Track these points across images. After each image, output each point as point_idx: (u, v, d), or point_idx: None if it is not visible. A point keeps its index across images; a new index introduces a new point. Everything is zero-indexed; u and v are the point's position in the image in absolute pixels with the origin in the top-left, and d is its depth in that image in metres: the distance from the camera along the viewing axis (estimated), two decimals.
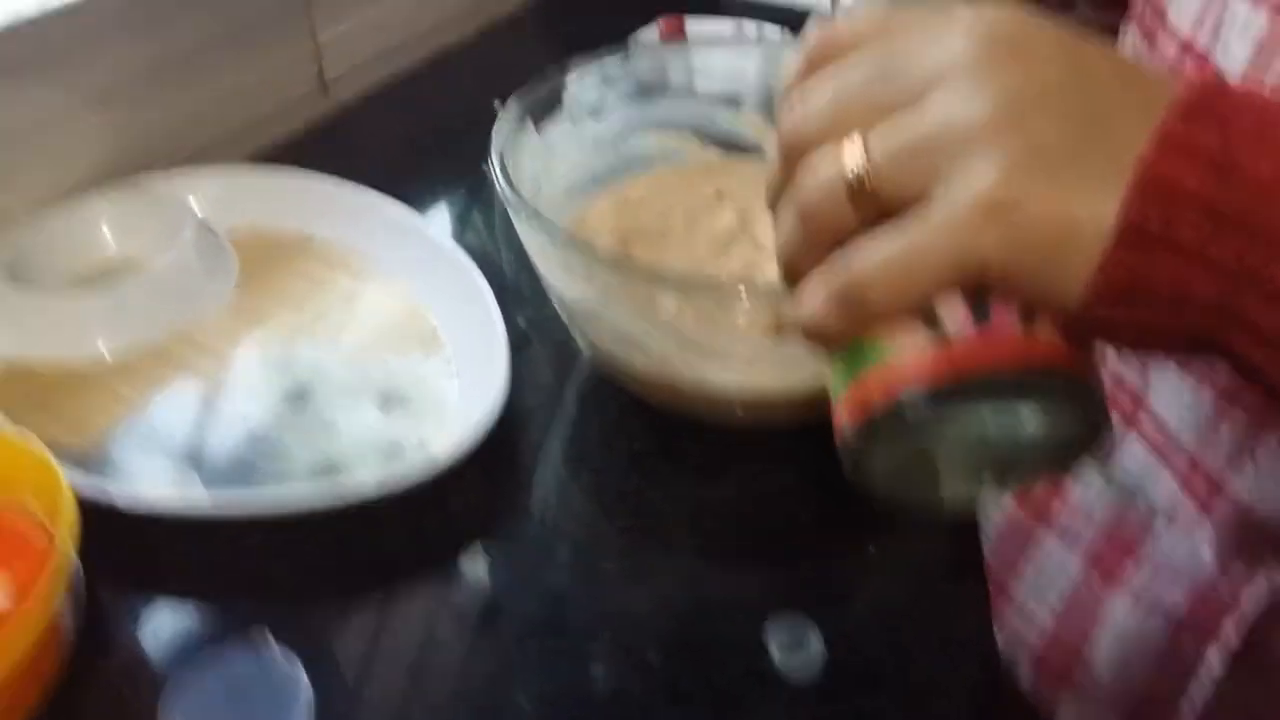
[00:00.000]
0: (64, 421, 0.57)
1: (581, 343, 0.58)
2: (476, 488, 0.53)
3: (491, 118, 0.85)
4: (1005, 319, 0.28)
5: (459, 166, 0.81)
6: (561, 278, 0.52)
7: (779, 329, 0.32)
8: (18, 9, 0.64)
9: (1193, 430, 0.42)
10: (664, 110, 0.66)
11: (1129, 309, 0.26)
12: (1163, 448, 0.44)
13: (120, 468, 0.54)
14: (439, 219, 0.76)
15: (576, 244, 0.48)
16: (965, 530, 0.52)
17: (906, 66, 0.28)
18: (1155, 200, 0.25)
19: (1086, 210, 0.25)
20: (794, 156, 0.30)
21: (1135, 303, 0.26)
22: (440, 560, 0.50)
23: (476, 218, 0.77)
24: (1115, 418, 0.47)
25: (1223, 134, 0.25)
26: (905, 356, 0.28)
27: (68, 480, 0.45)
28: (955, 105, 0.27)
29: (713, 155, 0.68)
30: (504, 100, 0.87)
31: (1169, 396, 0.43)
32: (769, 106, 0.67)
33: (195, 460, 0.55)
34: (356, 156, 0.81)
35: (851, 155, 0.28)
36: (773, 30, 0.91)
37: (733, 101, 0.66)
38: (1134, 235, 0.25)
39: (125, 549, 0.48)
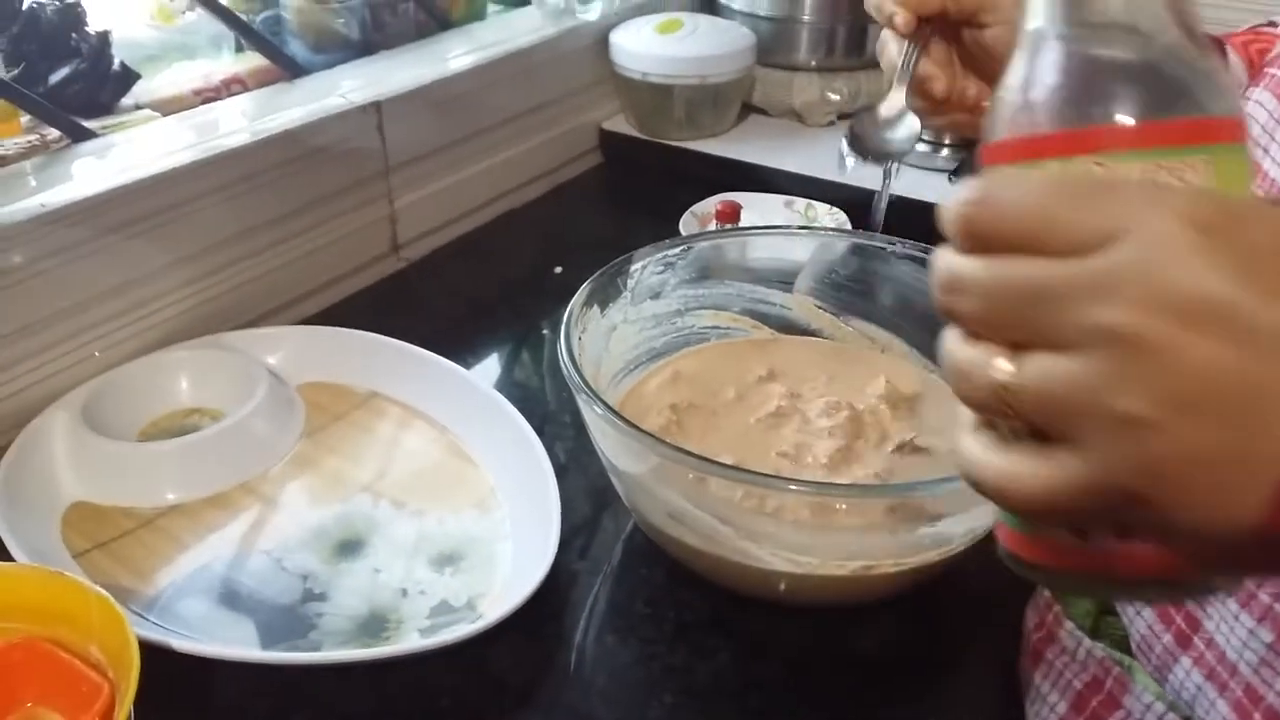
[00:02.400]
0: (125, 564, 0.59)
1: (633, 512, 0.60)
2: (522, 650, 0.54)
3: (549, 280, 0.90)
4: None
5: (517, 325, 0.85)
6: (618, 455, 0.54)
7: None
8: (129, 173, 0.69)
9: (1253, 662, 0.42)
10: (720, 291, 0.69)
11: None
12: (1218, 674, 0.43)
13: (177, 613, 0.56)
14: (499, 374, 0.79)
15: (635, 430, 0.50)
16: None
17: (1061, 305, 0.26)
18: None
19: (1225, 522, 0.25)
20: (947, 314, 0.29)
21: None
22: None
23: (531, 373, 0.80)
24: (1168, 639, 0.47)
25: None
26: (1042, 544, 0.30)
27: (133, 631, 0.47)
28: (1108, 380, 0.25)
29: (766, 334, 0.71)
30: (563, 263, 0.92)
31: (1228, 624, 0.43)
32: (818, 290, 0.70)
33: (249, 607, 0.57)
34: (422, 313, 0.86)
35: (1001, 370, 0.27)
36: (822, 208, 0.96)
37: (785, 284, 0.70)
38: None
39: (176, 691, 0.49)
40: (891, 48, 0.58)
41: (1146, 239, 0.25)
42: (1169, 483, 0.25)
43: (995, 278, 0.27)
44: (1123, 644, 0.50)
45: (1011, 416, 0.27)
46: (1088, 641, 0.50)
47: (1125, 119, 0.28)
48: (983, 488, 0.28)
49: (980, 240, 0.28)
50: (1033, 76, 0.30)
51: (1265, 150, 0.47)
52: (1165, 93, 0.29)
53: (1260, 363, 0.24)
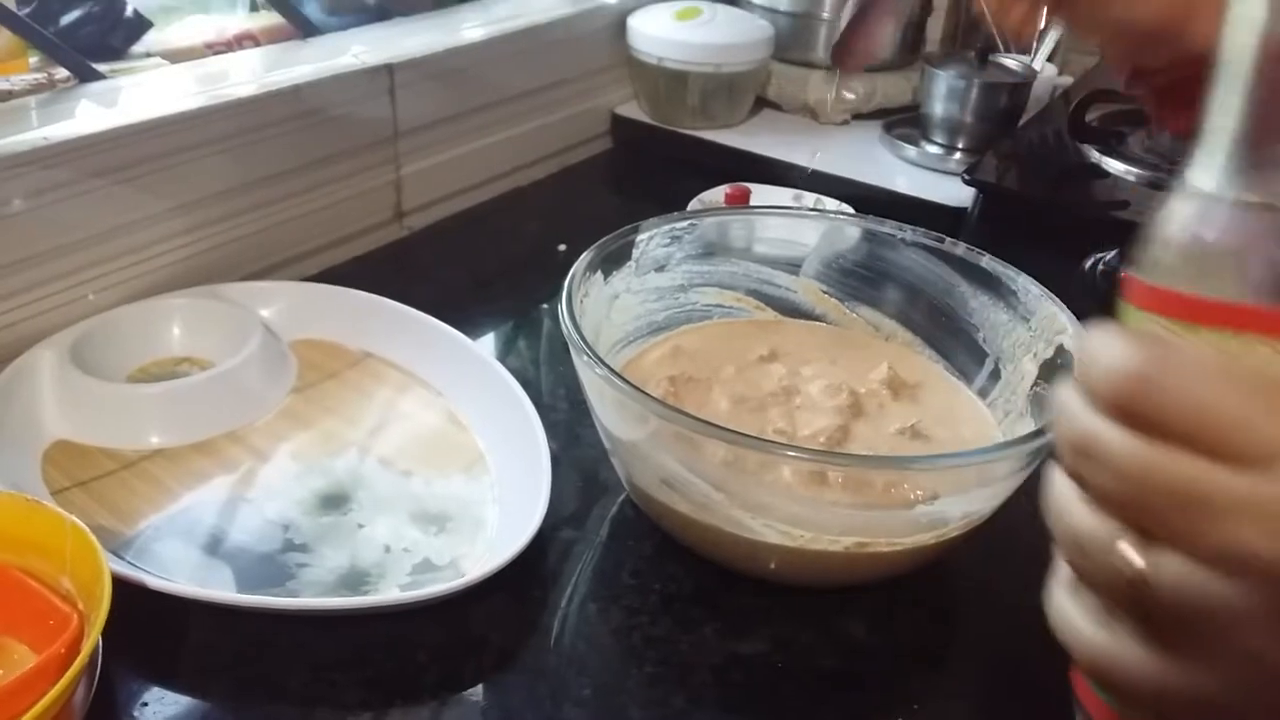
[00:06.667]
0: (104, 504, 0.58)
1: (625, 480, 0.59)
2: (505, 612, 0.53)
3: (552, 258, 0.89)
4: None
5: (517, 300, 0.84)
6: (614, 419, 0.53)
7: None
8: (133, 115, 0.68)
9: None
10: (726, 270, 0.68)
11: None
12: None
13: (153, 554, 0.55)
14: (496, 348, 0.78)
15: (634, 391, 0.49)
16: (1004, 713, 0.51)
17: (1211, 516, 0.25)
18: None
19: None
20: (1071, 475, 0.28)
21: None
22: (460, 680, 0.50)
23: (527, 349, 0.79)
24: None
25: None
26: None
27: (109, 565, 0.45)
28: (1245, 612, 0.24)
29: (769, 316, 0.70)
30: (568, 244, 0.91)
31: None
32: (825, 275, 0.69)
33: (227, 554, 0.56)
34: (421, 282, 0.84)
35: (1132, 562, 0.26)
36: (831, 203, 0.95)
37: (792, 268, 0.69)
38: None
39: (147, 629, 0.48)
40: None
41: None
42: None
43: (1146, 466, 0.25)
44: None
45: (1128, 606, 0.26)
46: None
47: None
48: (1082, 660, 0.28)
49: (1135, 419, 0.26)
50: (1208, 232, 0.27)
51: None
52: None
53: None
